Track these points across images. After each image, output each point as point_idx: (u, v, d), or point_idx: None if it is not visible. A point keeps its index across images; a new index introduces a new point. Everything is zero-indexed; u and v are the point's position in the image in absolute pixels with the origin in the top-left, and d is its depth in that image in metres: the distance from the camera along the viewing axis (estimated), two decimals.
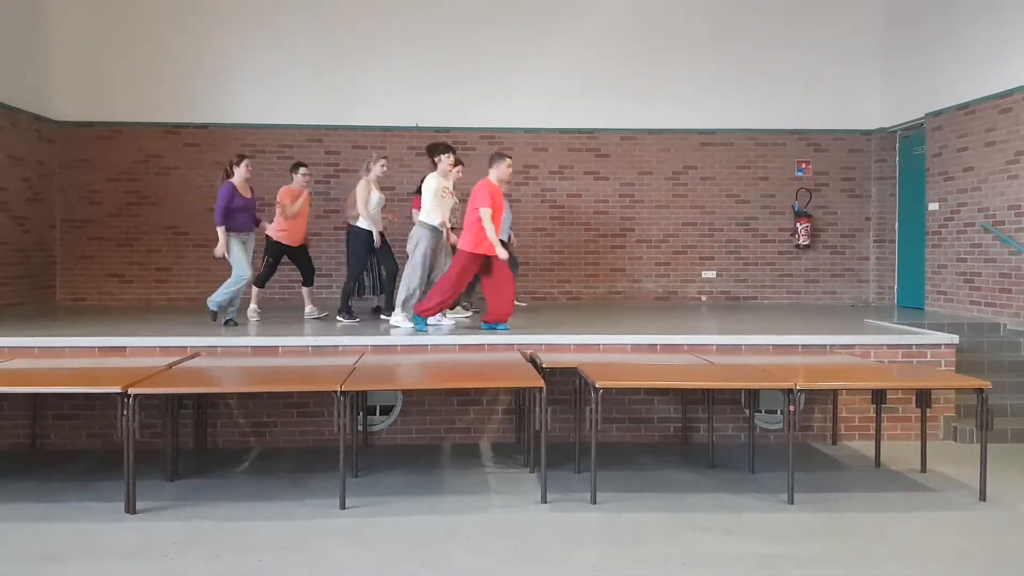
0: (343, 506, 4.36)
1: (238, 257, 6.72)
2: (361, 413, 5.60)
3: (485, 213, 6.15)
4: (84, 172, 9.31)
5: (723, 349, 5.95)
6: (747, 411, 5.51)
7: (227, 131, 9.37)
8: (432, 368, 5.38)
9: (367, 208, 7.09)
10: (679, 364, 5.41)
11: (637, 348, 5.99)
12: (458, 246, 6.40)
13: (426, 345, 5.94)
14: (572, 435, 5.37)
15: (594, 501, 4.46)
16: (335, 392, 4.28)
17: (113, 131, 9.30)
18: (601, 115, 9.55)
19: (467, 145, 9.51)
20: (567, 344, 5.97)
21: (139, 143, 9.34)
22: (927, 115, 8.67)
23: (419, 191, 7.93)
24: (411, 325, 6.47)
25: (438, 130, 9.47)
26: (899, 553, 3.80)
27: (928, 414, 5.26)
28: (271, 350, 5.83)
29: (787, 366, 5.15)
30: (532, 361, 5.45)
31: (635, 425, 5.95)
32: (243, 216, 6.79)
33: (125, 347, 5.76)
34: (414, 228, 6.83)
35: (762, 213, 9.75)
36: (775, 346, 6.01)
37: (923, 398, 5.16)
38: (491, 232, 6.17)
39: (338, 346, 5.88)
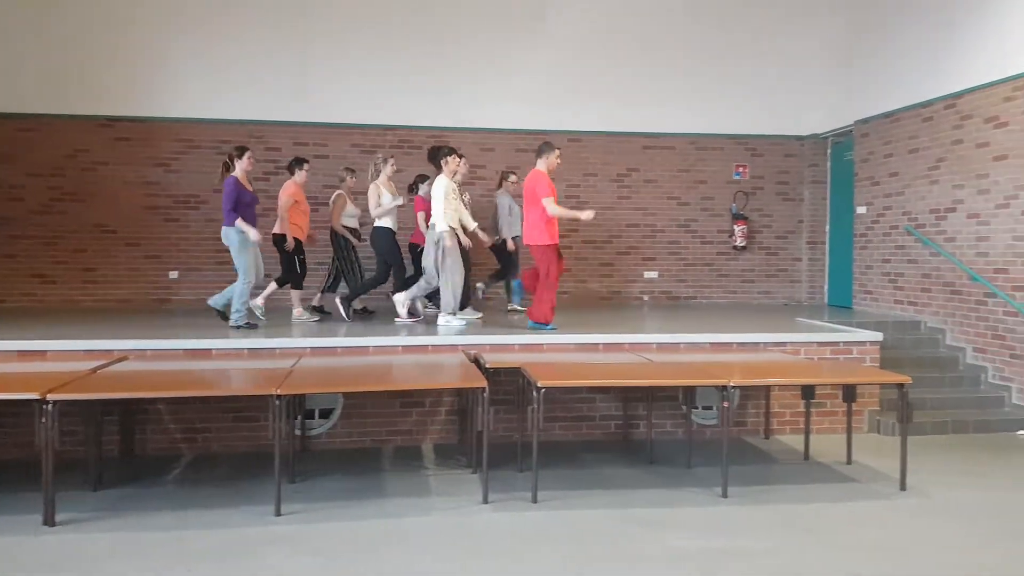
0: (278, 512, 4.28)
1: (246, 260, 6.44)
2: (299, 417, 5.52)
3: (548, 203, 6.31)
4: (3, 167, 8.85)
5: (663, 347, 6.08)
6: (684, 408, 5.65)
7: (161, 125, 9.10)
8: (373, 370, 5.33)
9: (379, 210, 7.14)
10: (620, 363, 5.50)
11: (580, 347, 6.07)
12: (531, 243, 6.47)
13: (367, 347, 5.89)
14: (516, 435, 5.41)
15: (535, 500, 4.51)
16: (271, 396, 4.20)
17: (36, 123, 8.89)
18: (547, 117, 9.59)
19: (413, 144, 9.48)
20: (511, 344, 6.01)
21: (65, 136, 8.94)
22: (856, 122, 9.03)
23: (410, 189, 8.17)
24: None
25: (384, 128, 9.41)
26: (825, 543, 3.95)
27: (853, 408, 5.48)
28: (204, 352, 5.69)
29: (722, 364, 5.30)
30: (476, 361, 5.46)
31: (577, 423, 6.03)
32: (249, 211, 6.50)
33: (46, 351, 5.50)
34: (429, 233, 6.86)
35: (702, 215, 9.99)
36: (712, 344, 6.18)
37: (849, 393, 5.38)
38: (562, 212, 6.42)
39: (275, 348, 5.78)
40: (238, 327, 6.38)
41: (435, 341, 5.97)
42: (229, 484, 4.89)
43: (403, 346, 5.92)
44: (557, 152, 6.56)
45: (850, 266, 9.15)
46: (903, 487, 4.77)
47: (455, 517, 4.30)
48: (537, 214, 6.38)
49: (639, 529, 4.12)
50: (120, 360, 5.30)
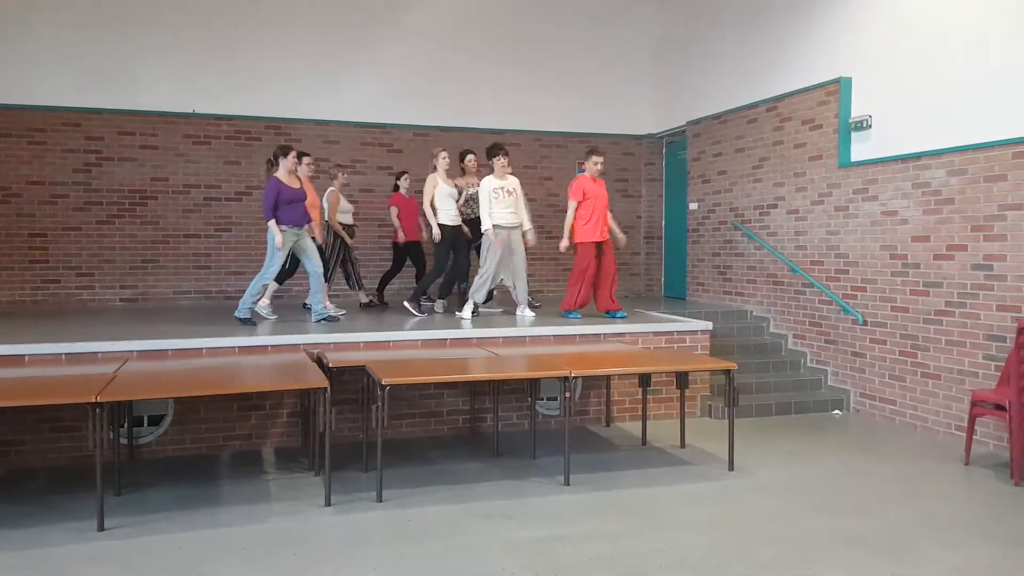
0: (101, 528, 3.96)
1: (279, 254, 6.41)
2: (126, 425, 5.10)
3: (571, 206, 6.99)
4: None
5: (509, 341, 6.16)
6: (530, 399, 5.75)
7: None
8: (207, 373, 4.98)
9: (434, 205, 7.28)
10: (467, 357, 5.50)
11: (427, 343, 6.01)
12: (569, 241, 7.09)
13: (200, 348, 5.52)
14: (361, 434, 5.27)
15: (380, 499, 4.42)
16: (89, 404, 3.86)
17: None
18: (393, 110, 9.47)
19: (251, 135, 9.01)
20: (356, 342, 5.85)
21: None
22: (688, 123, 9.59)
23: (396, 188, 8.36)
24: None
25: (218, 117, 8.87)
26: (661, 524, 4.15)
27: (687, 394, 5.81)
28: (15, 359, 5.12)
29: (565, 355, 5.43)
30: (318, 361, 5.27)
31: (425, 420, 5.98)
32: (293, 209, 6.43)
33: None
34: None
35: (547, 211, 10.19)
36: (555, 336, 6.32)
37: (682, 380, 5.68)
38: (568, 221, 6.99)
39: (97, 353, 5.29)
40: (320, 320, 6.57)
41: (274, 341, 5.70)
42: (45, 500, 4.46)
43: (239, 347, 5.60)
44: (594, 159, 7.10)
45: (684, 259, 9.71)
46: (731, 467, 5.10)
47: (293, 522, 4.12)
48: (574, 215, 7.00)
49: (480, 522, 4.13)
50: None
